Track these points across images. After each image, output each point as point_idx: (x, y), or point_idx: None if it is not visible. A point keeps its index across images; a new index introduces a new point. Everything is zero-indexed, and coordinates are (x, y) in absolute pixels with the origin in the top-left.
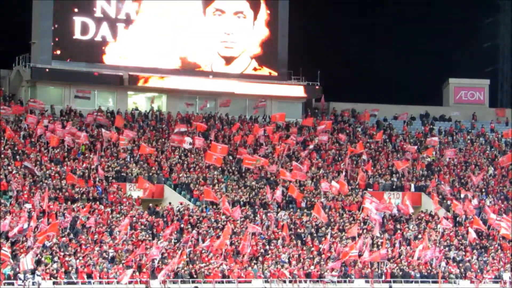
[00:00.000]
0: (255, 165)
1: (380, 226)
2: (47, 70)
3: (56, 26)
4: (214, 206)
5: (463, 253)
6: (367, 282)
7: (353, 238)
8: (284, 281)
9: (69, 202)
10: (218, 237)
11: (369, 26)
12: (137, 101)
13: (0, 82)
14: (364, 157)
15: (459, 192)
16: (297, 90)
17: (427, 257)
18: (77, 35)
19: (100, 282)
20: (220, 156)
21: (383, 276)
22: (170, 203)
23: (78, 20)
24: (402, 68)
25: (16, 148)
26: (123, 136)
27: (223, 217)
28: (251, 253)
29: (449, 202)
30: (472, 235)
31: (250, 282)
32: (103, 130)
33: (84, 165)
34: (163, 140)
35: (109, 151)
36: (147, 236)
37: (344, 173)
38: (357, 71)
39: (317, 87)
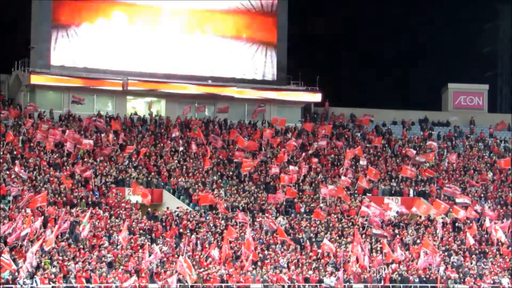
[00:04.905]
0: (250, 169)
1: (379, 227)
2: (46, 74)
3: (55, 31)
4: (213, 211)
5: (462, 258)
6: (365, 287)
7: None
8: (283, 286)
9: (67, 207)
10: (217, 242)
11: (369, 31)
12: (136, 106)
13: None
14: (362, 162)
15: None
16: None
17: (430, 261)
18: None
19: (99, 287)
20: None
21: (382, 281)
22: (168, 208)
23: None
24: (401, 72)
25: (15, 153)
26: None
27: (222, 222)
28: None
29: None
30: (470, 240)
31: (249, 286)
32: (102, 135)
33: (83, 168)
34: (162, 144)
35: (107, 155)
36: (146, 241)
37: (343, 178)
38: (356, 76)
39: (319, 92)
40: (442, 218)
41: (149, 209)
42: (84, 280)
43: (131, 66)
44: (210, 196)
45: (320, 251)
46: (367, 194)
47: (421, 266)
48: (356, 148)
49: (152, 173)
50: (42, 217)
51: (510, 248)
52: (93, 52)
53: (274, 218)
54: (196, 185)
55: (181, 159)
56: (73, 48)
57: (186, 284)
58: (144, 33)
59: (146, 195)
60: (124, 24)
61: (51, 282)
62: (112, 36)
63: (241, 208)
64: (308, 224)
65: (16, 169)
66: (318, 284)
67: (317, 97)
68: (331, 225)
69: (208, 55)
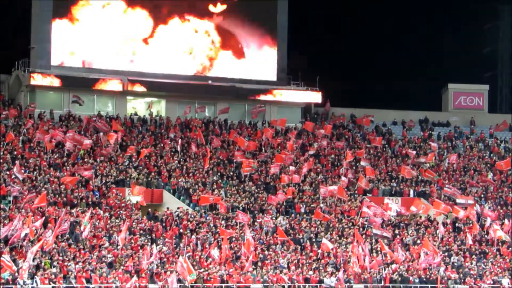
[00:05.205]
0: (251, 170)
1: (380, 227)
2: (46, 75)
3: (55, 31)
4: (213, 211)
5: (462, 258)
6: (366, 287)
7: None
8: (283, 287)
9: (68, 207)
10: (217, 242)
11: (369, 31)
12: (136, 106)
13: None
14: (363, 163)
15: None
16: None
17: (431, 262)
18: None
19: (99, 287)
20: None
21: (382, 281)
22: (168, 208)
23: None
24: (401, 73)
25: (15, 153)
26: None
27: (223, 222)
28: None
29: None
30: (470, 240)
31: (249, 287)
32: (101, 134)
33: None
34: (162, 145)
35: (108, 155)
36: (146, 241)
37: (343, 178)
38: (357, 76)
39: (319, 92)
40: (443, 218)
41: (149, 210)
42: (84, 281)
43: (131, 66)
44: (211, 199)
45: (320, 251)
46: (367, 194)
47: (421, 266)
48: (359, 151)
49: (152, 174)
50: (43, 217)
51: (510, 248)
52: (93, 51)
53: (274, 218)
54: (196, 186)
55: (181, 159)
56: (73, 47)
57: (186, 284)
58: (143, 32)
59: (140, 194)
60: (123, 21)
61: (51, 283)
62: (112, 35)
63: (241, 208)
64: (308, 225)
65: (15, 169)
66: (318, 285)
67: (317, 97)
68: (331, 225)
69: (208, 55)
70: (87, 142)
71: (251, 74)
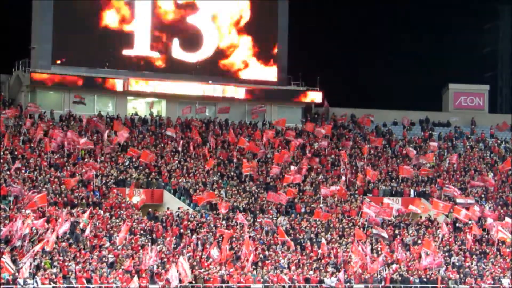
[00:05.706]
0: (251, 170)
1: (380, 227)
2: (47, 75)
3: (56, 30)
4: (214, 211)
5: (463, 258)
6: (366, 287)
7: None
8: (284, 287)
9: (68, 207)
10: (217, 242)
11: (369, 31)
12: (137, 106)
13: None
14: (359, 163)
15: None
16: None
17: (430, 262)
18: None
19: (100, 287)
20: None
21: (383, 282)
22: (168, 208)
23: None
24: (402, 73)
25: (15, 153)
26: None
27: (223, 222)
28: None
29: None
30: (471, 240)
31: (249, 287)
32: (105, 132)
33: (84, 169)
34: (163, 145)
35: (108, 156)
36: (146, 241)
37: (343, 178)
38: (357, 76)
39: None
40: (444, 218)
41: (149, 210)
42: (84, 281)
43: (131, 66)
44: (206, 194)
45: (320, 251)
46: (368, 194)
47: (421, 266)
48: (357, 151)
49: (153, 174)
50: (45, 218)
51: (510, 248)
52: (93, 51)
53: (275, 218)
54: (197, 186)
55: (181, 159)
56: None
57: (187, 284)
58: (143, 31)
59: (133, 195)
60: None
61: (51, 283)
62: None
63: (241, 208)
64: (309, 225)
65: (13, 168)
66: (318, 285)
67: (317, 97)
68: (331, 225)
69: (209, 55)
70: (83, 141)
71: (252, 74)
